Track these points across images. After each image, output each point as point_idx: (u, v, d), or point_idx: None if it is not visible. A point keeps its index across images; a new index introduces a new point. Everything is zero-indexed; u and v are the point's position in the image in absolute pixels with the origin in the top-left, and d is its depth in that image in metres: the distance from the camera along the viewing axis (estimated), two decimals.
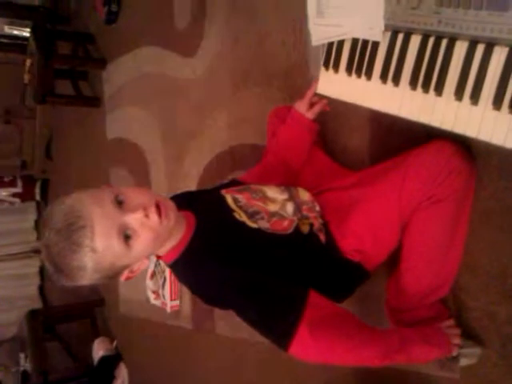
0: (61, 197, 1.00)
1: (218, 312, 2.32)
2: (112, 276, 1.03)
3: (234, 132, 2.18)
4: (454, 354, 1.18)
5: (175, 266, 1.15)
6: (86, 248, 0.93)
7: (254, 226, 1.17)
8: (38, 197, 5.18)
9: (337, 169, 1.53)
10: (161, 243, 1.07)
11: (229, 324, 2.25)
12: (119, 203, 0.98)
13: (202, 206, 1.22)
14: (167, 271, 2.62)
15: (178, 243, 1.11)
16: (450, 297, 1.28)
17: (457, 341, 1.18)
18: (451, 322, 1.24)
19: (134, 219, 0.97)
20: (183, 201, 1.18)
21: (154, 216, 0.98)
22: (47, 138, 4.95)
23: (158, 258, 1.15)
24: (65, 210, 0.95)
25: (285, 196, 1.29)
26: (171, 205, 1.06)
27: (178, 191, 1.35)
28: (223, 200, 1.23)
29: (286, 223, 1.21)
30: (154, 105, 2.91)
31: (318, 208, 1.31)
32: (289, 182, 1.42)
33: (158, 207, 0.99)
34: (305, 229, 1.23)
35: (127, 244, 0.97)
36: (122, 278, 1.07)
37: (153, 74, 2.91)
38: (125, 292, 3.33)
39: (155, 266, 2.76)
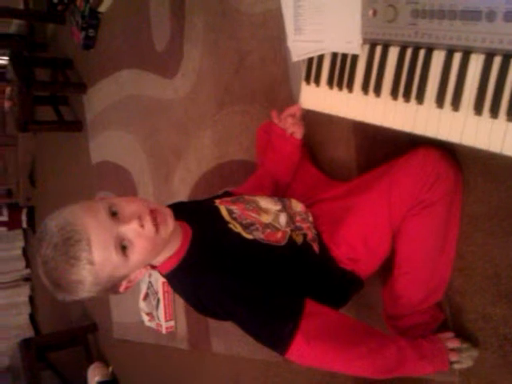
0: (54, 211, 0.99)
1: (213, 330, 2.31)
2: (111, 287, 1.02)
3: (219, 149, 2.18)
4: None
5: (171, 276, 1.14)
6: (83, 261, 0.92)
7: (249, 237, 1.17)
8: (24, 224, 5.14)
9: (326, 180, 1.54)
10: (158, 251, 1.06)
11: (225, 342, 2.24)
12: (113, 214, 0.97)
13: (197, 217, 1.21)
14: (160, 292, 2.61)
15: (174, 253, 1.11)
16: (446, 300, 1.29)
17: (454, 357, 1.17)
18: (451, 334, 1.23)
19: (129, 230, 0.97)
20: (177, 211, 1.16)
21: (149, 225, 0.98)
22: (30, 166, 4.92)
23: (153, 268, 1.14)
24: (60, 225, 0.94)
25: (278, 207, 1.30)
26: (168, 211, 1.05)
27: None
28: (217, 211, 1.23)
29: (279, 235, 1.21)
30: (138, 126, 2.91)
31: (311, 219, 1.32)
32: (279, 195, 1.43)
33: (153, 216, 0.99)
34: (299, 239, 1.24)
35: (124, 255, 0.97)
36: (121, 288, 1.06)
37: (135, 97, 2.91)
38: (118, 316, 3.30)
39: (148, 287, 2.74)
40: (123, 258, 0.97)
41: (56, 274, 0.94)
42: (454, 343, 1.20)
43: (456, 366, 1.19)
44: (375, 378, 1.12)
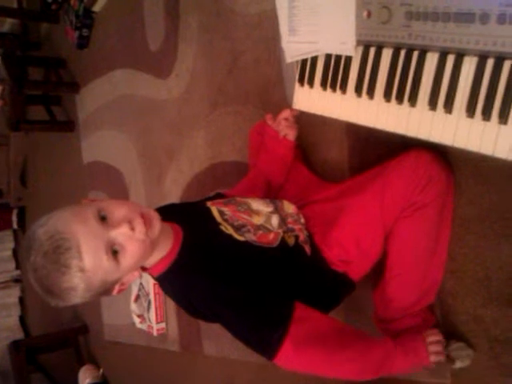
0: (42, 217, 0.97)
1: (205, 333, 2.30)
2: (103, 292, 1.02)
3: (212, 150, 2.18)
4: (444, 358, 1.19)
5: (162, 279, 1.13)
6: (74, 269, 0.91)
7: (241, 238, 1.16)
8: (14, 225, 5.09)
9: (319, 182, 1.54)
10: (149, 253, 1.06)
11: (216, 345, 2.23)
12: (102, 219, 0.96)
13: (188, 218, 1.20)
14: (152, 294, 2.59)
15: (166, 255, 1.10)
16: (437, 302, 1.29)
17: (438, 348, 1.17)
18: (435, 331, 1.23)
19: (119, 234, 0.96)
20: (168, 213, 1.16)
21: (140, 226, 0.97)
22: (22, 165, 4.89)
23: (144, 270, 1.13)
24: (49, 233, 0.93)
25: (270, 209, 1.29)
26: (155, 214, 1.04)
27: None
28: (209, 212, 1.22)
29: (271, 236, 1.21)
30: (131, 127, 2.90)
31: (302, 220, 1.32)
32: (271, 197, 1.43)
33: (143, 218, 0.99)
34: (290, 241, 1.24)
35: (116, 259, 0.96)
36: (114, 292, 1.05)
37: (128, 96, 2.90)
38: (109, 317, 3.28)
39: (139, 289, 2.72)
40: (114, 262, 0.96)
41: (47, 281, 0.93)
42: (436, 337, 1.20)
43: (457, 365, 1.20)
44: (361, 379, 1.12)
